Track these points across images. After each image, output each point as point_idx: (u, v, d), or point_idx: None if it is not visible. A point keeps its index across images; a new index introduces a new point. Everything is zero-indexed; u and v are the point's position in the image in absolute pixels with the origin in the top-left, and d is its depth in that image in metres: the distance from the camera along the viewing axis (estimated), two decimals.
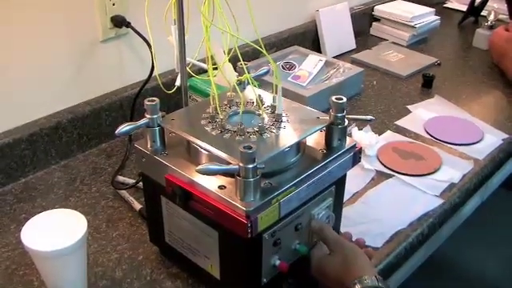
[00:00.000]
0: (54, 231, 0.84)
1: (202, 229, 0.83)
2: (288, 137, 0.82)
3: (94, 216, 1.07)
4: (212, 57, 0.90)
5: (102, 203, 1.11)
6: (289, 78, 1.49)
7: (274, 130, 0.83)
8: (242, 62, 0.90)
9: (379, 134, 1.33)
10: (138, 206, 1.08)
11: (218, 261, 0.84)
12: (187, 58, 1.04)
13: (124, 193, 1.11)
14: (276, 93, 0.86)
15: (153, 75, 1.18)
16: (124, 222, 1.06)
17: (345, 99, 0.85)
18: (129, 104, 1.27)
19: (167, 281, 0.93)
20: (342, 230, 1.02)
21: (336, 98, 0.85)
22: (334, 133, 0.87)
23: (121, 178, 1.16)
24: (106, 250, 0.99)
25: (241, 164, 0.72)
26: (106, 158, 1.25)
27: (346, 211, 1.08)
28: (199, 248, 0.86)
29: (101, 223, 1.05)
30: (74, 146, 1.25)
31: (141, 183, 1.07)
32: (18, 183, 1.16)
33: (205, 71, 0.97)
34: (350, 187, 1.14)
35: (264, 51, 0.84)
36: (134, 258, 0.97)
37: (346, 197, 1.12)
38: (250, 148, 0.72)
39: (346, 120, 0.87)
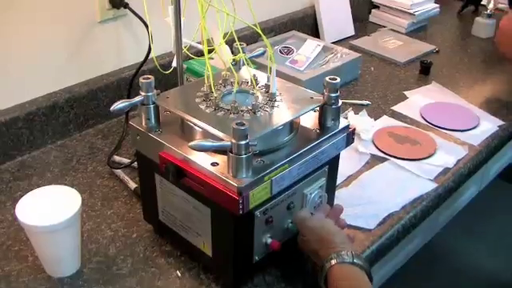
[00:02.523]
0: (49, 207, 0.85)
1: (194, 206, 0.84)
2: (281, 115, 0.82)
3: (90, 194, 1.08)
4: (208, 38, 0.90)
5: (97, 182, 1.12)
6: (286, 63, 1.50)
7: (268, 109, 0.83)
8: (238, 43, 0.91)
9: (375, 119, 1.34)
10: (133, 185, 1.08)
11: (210, 238, 0.84)
12: (185, 40, 1.04)
13: (119, 172, 1.12)
14: (270, 73, 0.86)
15: (150, 57, 1.18)
16: (119, 200, 1.07)
17: (338, 79, 0.86)
18: (126, 85, 1.27)
19: (160, 258, 0.93)
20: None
21: (330, 79, 0.86)
22: (328, 113, 0.87)
23: (117, 158, 1.17)
24: (101, 228, 1.00)
25: (233, 140, 0.73)
26: (102, 139, 1.26)
27: (340, 193, 1.09)
28: (192, 225, 0.87)
29: (96, 202, 1.06)
30: (71, 125, 1.25)
31: (136, 163, 1.08)
32: (15, 162, 1.17)
33: (203, 54, 0.97)
34: (345, 170, 1.15)
35: (258, 30, 0.84)
36: (128, 235, 0.98)
37: (341, 179, 1.13)
38: (243, 124, 0.72)
39: (339, 100, 0.87)
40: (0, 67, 1.13)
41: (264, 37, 0.85)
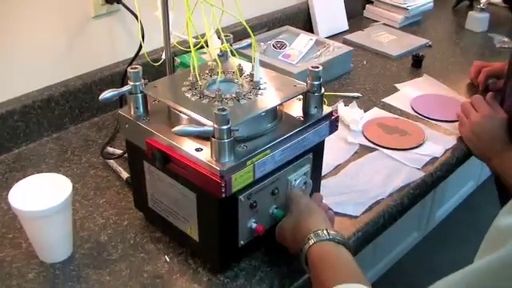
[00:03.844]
0: (41, 193, 0.88)
1: (180, 191, 0.86)
2: (264, 102, 0.85)
3: (83, 184, 1.11)
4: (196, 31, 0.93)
5: (91, 172, 1.14)
6: (279, 57, 1.52)
7: (251, 97, 0.86)
8: (222, 34, 0.93)
9: (366, 111, 1.36)
10: (125, 175, 1.11)
11: (197, 223, 0.87)
12: (177, 34, 1.07)
13: (112, 163, 1.15)
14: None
15: (141, 52, 1.21)
16: (111, 190, 1.09)
17: (321, 68, 0.88)
18: (120, 79, 1.30)
19: (150, 244, 0.96)
20: (323, 199, 1.05)
21: (312, 67, 0.88)
22: (311, 100, 0.89)
23: (110, 149, 1.20)
24: (93, 216, 1.02)
25: (215, 125, 0.75)
26: (97, 131, 1.28)
27: (328, 182, 1.11)
28: (179, 211, 0.89)
29: (89, 191, 1.09)
30: (67, 118, 1.28)
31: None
32: (11, 154, 1.20)
33: (199, 47, 1.00)
34: (333, 160, 1.17)
35: (242, 21, 0.86)
36: (119, 223, 1.01)
37: (329, 169, 1.15)
38: (224, 110, 0.75)
39: (322, 88, 0.89)
40: None
41: (245, 23, 0.87)
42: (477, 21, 1.87)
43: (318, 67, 0.88)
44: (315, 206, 0.88)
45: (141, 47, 1.21)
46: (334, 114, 0.92)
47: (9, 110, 1.18)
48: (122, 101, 1.12)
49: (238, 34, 1.48)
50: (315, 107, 0.90)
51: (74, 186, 0.90)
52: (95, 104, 1.31)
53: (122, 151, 1.17)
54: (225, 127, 0.75)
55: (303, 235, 0.82)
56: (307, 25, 1.79)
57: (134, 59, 1.24)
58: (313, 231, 0.81)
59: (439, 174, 1.19)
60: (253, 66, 0.91)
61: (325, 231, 0.81)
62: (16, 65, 1.19)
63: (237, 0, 0.89)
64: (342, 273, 0.77)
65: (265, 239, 0.91)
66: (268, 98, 0.86)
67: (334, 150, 1.20)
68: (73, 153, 1.21)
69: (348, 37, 1.78)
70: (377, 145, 1.24)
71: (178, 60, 1.38)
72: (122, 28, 1.35)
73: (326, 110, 0.91)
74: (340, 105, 1.34)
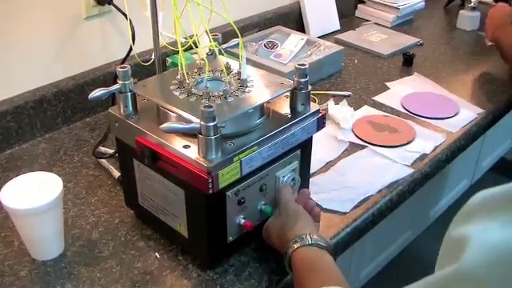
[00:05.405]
0: (32, 191, 0.89)
1: (169, 188, 0.87)
2: (251, 100, 0.86)
3: (75, 183, 1.12)
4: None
5: (83, 172, 1.15)
6: (271, 56, 1.53)
7: (239, 94, 0.87)
8: (209, 33, 0.94)
9: (356, 109, 1.37)
10: (116, 174, 1.12)
11: (186, 219, 0.88)
12: (167, 34, 1.08)
13: (104, 162, 1.16)
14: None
15: (132, 53, 1.22)
16: (103, 188, 1.10)
17: (307, 65, 0.89)
18: (112, 79, 1.31)
19: (140, 241, 0.97)
20: (312, 196, 1.05)
21: (299, 65, 0.89)
22: (298, 97, 0.91)
23: (102, 149, 1.20)
24: (85, 214, 1.03)
25: (202, 122, 0.77)
26: (89, 131, 1.30)
27: (318, 179, 1.12)
28: (168, 208, 0.90)
29: (81, 190, 1.10)
30: (59, 119, 1.29)
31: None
32: (4, 154, 1.21)
33: (188, 48, 1.01)
34: (323, 157, 1.18)
35: (229, 18, 0.87)
36: (110, 221, 1.02)
37: (319, 166, 1.16)
38: (211, 107, 0.76)
39: (308, 85, 0.90)
40: None
41: (231, 21, 0.88)
42: (468, 19, 1.89)
43: (304, 64, 0.89)
44: (302, 211, 0.88)
45: (131, 49, 1.22)
46: (321, 111, 0.93)
47: (1, 110, 1.19)
48: (114, 100, 1.13)
49: (229, 34, 1.48)
50: (302, 104, 0.91)
51: (66, 185, 0.91)
52: (87, 104, 1.32)
53: (113, 151, 1.18)
54: (211, 124, 0.76)
55: (288, 239, 0.83)
56: (299, 25, 1.80)
57: (124, 60, 1.25)
58: (297, 236, 0.82)
59: (428, 171, 1.20)
60: (240, 65, 0.92)
61: (308, 236, 0.82)
62: (8, 66, 1.20)
63: (224, 0, 0.90)
64: (323, 276, 0.78)
65: (254, 235, 0.92)
66: (255, 96, 0.87)
67: (324, 147, 1.22)
68: (65, 153, 1.22)
69: (340, 36, 1.79)
70: (367, 142, 1.25)
71: (169, 60, 1.39)
72: (114, 29, 1.36)
73: (314, 106, 0.93)
74: (330, 103, 1.35)
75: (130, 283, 0.89)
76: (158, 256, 0.94)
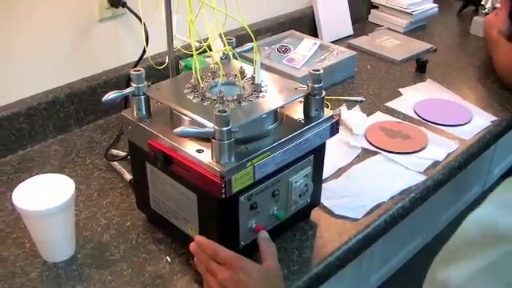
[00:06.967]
0: (44, 193, 0.89)
1: (182, 192, 0.87)
2: (265, 105, 0.86)
3: (87, 186, 1.12)
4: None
5: (95, 174, 1.15)
6: (283, 61, 1.53)
7: (252, 99, 0.87)
8: (223, 37, 0.94)
9: (369, 115, 1.36)
10: (128, 176, 1.12)
11: (198, 224, 0.88)
12: (181, 37, 1.08)
13: (116, 164, 1.16)
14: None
15: (145, 56, 1.22)
16: (115, 191, 1.10)
17: (321, 71, 0.88)
18: (125, 82, 1.31)
19: (151, 245, 0.97)
20: (324, 202, 1.05)
21: (313, 70, 0.89)
22: (312, 103, 0.90)
23: (114, 151, 1.21)
24: (96, 217, 1.04)
25: (216, 127, 0.76)
26: (101, 133, 1.30)
27: (330, 185, 1.12)
28: (180, 212, 0.90)
29: (93, 192, 1.10)
30: (72, 121, 1.29)
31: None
32: (16, 155, 1.21)
33: (202, 52, 1.01)
34: (336, 163, 1.18)
35: (243, 22, 0.87)
36: (121, 224, 1.02)
37: (331, 172, 1.16)
38: (225, 112, 0.76)
39: (323, 91, 0.90)
40: (2, 64, 1.17)
41: (246, 25, 0.88)
42: (482, 26, 1.87)
43: (318, 70, 0.88)
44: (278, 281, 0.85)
45: (144, 51, 1.22)
46: (334, 116, 0.93)
47: (14, 111, 1.19)
48: (126, 103, 1.13)
49: (243, 38, 1.49)
50: (316, 110, 0.91)
51: (78, 187, 0.91)
52: (100, 106, 1.33)
53: (125, 153, 1.18)
54: (225, 128, 0.76)
55: None
56: (312, 29, 1.80)
57: (138, 62, 1.25)
58: None
59: (441, 178, 1.19)
60: (254, 69, 0.92)
61: None
62: (22, 67, 1.21)
63: (239, 4, 0.90)
64: None
65: None
66: (269, 101, 0.87)
67: (337, 153, 1.21)
68: (77, 154, 1.22)
69: (352, 41, 1.79)
70: (379, 148, 1.24)
71: (182, 63, 1.39)
72: (128, 31, 1.36)
73: (327, 112, 0.92)
74: (343, 108, 1.34)
75: (140, 286, 0.89)
76: (169, 260, 0.93)
